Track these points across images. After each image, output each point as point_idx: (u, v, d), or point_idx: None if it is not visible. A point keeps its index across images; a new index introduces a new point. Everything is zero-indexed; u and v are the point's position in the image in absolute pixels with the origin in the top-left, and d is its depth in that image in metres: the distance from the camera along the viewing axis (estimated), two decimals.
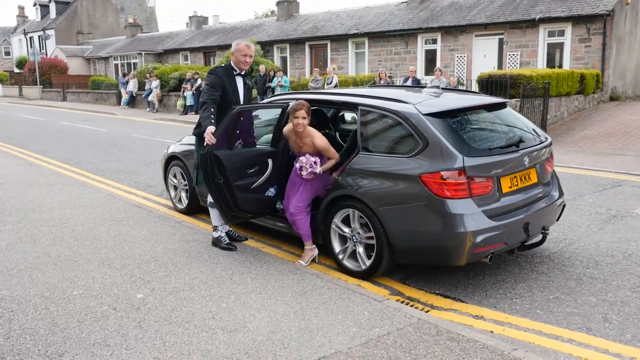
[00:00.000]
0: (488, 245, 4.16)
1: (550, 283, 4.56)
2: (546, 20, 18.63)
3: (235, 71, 5.11)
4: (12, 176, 8.96)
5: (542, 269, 4.86)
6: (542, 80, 13.80)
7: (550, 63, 18.95)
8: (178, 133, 14.25)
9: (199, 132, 5.04)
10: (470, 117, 4.80)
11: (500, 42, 20.09)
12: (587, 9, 17.84)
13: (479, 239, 4.09)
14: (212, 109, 4.80)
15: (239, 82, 5.13)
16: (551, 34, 19.01)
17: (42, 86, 38.54)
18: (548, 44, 19.12)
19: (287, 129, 5.07)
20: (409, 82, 15.91)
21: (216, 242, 5.26)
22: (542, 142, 4.87)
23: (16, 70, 48.18)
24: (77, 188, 8.03)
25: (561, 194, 5.05)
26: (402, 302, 4.23)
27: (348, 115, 6.95)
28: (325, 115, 6.13)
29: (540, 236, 4.73)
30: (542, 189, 4.80)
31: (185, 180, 6.60)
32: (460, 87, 16.31)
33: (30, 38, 49.40)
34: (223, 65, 5.18)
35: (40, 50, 43.40)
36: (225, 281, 4.41)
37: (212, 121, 4.69)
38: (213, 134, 4.58)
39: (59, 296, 4.10)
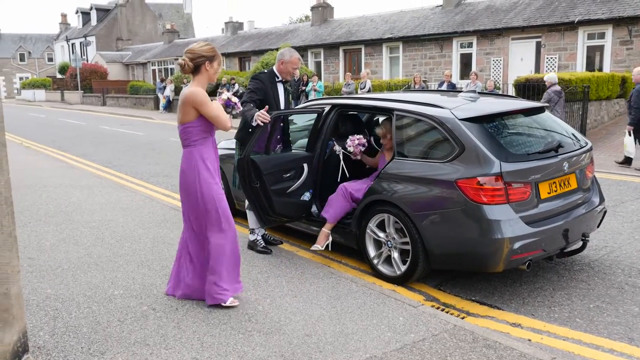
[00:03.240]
0: (526, 252, 4.10)
1: (590, 291, 4.46)
2: (585, 23, 18.22)
3: (278, 78, 5.18)
4: (54, 178, 9.26)
5: (581, 277, 4.76)
6: (582, 83, 13.51)
7: (590, 66, 18.52)
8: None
9: (241, 137, 5.12)
10: (508, 121, 4.74)
11: (538, 45, 19.74)
12: (629, 11, 17.37)
13: (517, 245, 4.03)
14: (252, 105, 4.89)
15: (280, 88, 5.20)
16: (591, 36, 18.58)
17: (83, 91, 39.70)
18: (587, 46, 18.69)
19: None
20: (444, 87, 15.79)
21: (252, 245, 5.33)
22: (582, 147, 4.78)
23: (58, 75, 49.78)
24: (116, 191, 8.25)
25: (602, 200, 4.93)
26: (438, 308, 4.21)
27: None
28: (360, 120, 6.14)
29: (580, 243, 4.63)
30: (582, 195, 4.70)
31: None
32: (497, 92, 16.09)
33: (72, 44, 51.00)
34: (266, 71, 5.25)
35: (81, 56, 44.76)
36: (261, 284, 4.47)
37: (256, 109, 4.74)
38: (267, 112, 4.64)
39: (101, 296, 4.22)
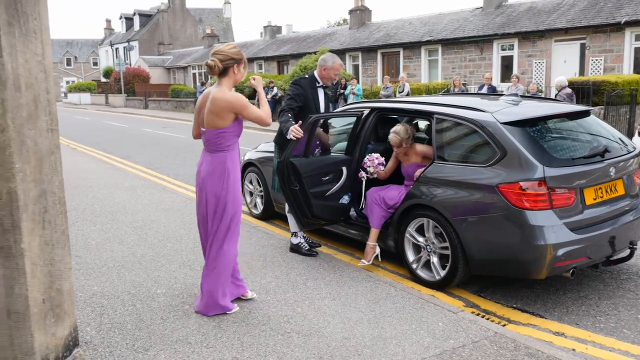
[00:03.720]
0: (570, 259, 4.01)
1: (638, 301, 4.32)
2: (633, 23, 17.63)
3: (318, 83, 5.21)
4: (100, 179, 9.56)
5: (629, 286, 4.61)
6: (629, 86, 13.10)
7: (638, 68, 17.92)
8: (253, 140, 14.63)
9: (279, 140, 5.18)
10: (551, 125, 4.65)
11: (582, 47, 19.22)
12: None
13: (561, 252, 3.95)
14: (289, 115, 4.94)
15: (321, 93, 5.23)
16: (639, 37, 17.99)
17: (126, 94, 40.79)
18: (635, 48, 18.08)
19: None
20: (484, 90, 15.56)
21: (296, 249, 5.35)
22: (629, 152, 4.64)
23: (103, 79, 51.32)
24: (159, 192, 8.44)
25: None
26: (478, 314, 4.15)
27: (422, 124, 6.89)
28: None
29: (628, 251, 4.50)
30: (630, 202, 4.57)
31: (260, 186, 6.78)
32: (540, 95, 15.76)
33: (116, 49, 52.48)
34: (307, 76, 5.28)
35: (124, 61, 45.98)
36: (299, 286, 4.50)
37: (292, 122, 4.81)
38: (300, 127, 4.69)
39: (144, 294, 4.33)
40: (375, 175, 5.19)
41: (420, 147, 5.03)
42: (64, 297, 2.75)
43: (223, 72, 3.75)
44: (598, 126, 4.84)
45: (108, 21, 61.73)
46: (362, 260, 5.03)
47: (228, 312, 3.95)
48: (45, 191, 2.66)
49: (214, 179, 3.79)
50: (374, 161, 5.08)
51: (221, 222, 3.82)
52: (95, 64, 68.40)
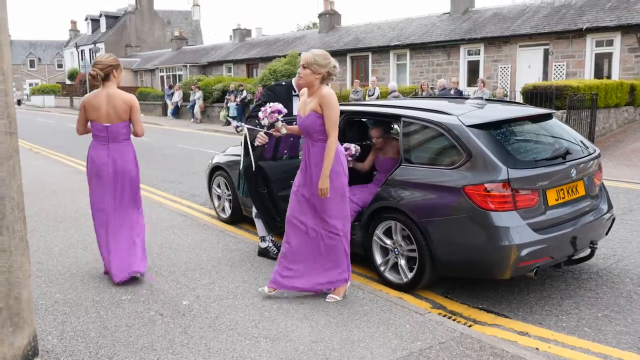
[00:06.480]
0: (533, 259, 4.09)
1: (598, 300, 4.44)
2: (594, 30, 18.18)
3: (295, 92, 5.15)
4: (63, 183, 9.33)
5: (589, 286, 4.73)
6: (590, 91, 13.46)
7: (598, 74, 18.45)
8: (221, 144, 14.52)
9: (246, 145, 5.13)
10: (515, 128, 4.75)
11: (546, 52, 19.71)
12: (637, 18, 17.31)
13: (524, 252, 4.02)
14: (256, 121, 4.90)
15: (296, 102, 5.14)
16: (599, 43, 18.53)
17: None
18: (596, 54, 18.64)
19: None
20: (451, 94, 15.78)
21: (264, 253, 5.31)
22: (590, 154, 4.77)
23: (68, 82, 50.17)
24: None
25: (610, 207, 4.91)
26: (444, 315, 4.20)
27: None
28: (367, 127, 6.15)
29: (589, 251, 4.61)
30: (590, 202, 4.69)
31: (228, 190, 6.72)
32: (505, 99, 16.06)
33: (82, 51, 51.39)
34: (283, 83, 5.22)
35: (90, 63, 45.03)
36: None
37: (259, 128, 4.77)
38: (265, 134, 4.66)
39: (109, 301, 4.24)
40: (272, 130, 4.44)
41: (396, 143, 5.05)
42: (23, 305, 2.67)
43: (106, 78, 4.56)
44: (560, 129, 4.95)
45: (73, 22, 60.37)
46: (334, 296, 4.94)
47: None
48: (3, 196, 2.59)
49: (132, 162, 4.75)
50: (266, 110, 4.27)
51: (138, 196, 4.76)
52: (60, 66, 66.91)
